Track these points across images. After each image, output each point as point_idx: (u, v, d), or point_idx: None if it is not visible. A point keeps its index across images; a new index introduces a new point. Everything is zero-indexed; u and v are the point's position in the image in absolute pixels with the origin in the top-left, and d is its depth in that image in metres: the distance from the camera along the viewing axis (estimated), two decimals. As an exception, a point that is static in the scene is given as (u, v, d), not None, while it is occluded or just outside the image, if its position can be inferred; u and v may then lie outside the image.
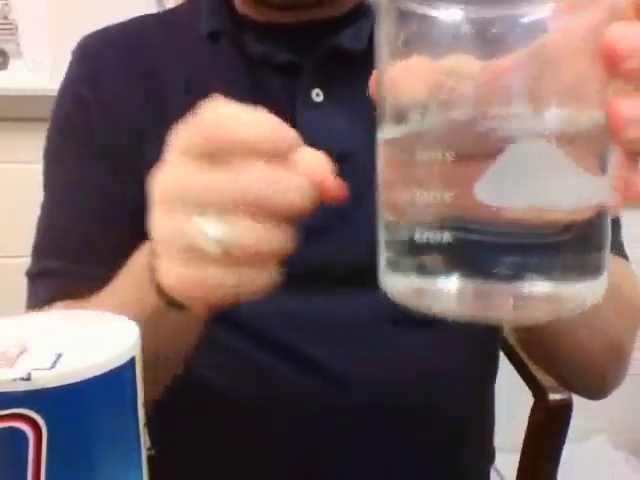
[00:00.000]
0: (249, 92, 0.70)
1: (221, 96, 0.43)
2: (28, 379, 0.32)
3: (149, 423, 0.42)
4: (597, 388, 0.74)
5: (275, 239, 0.41)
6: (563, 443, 0.92)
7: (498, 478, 1.53)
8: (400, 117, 0.34)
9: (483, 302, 0.33)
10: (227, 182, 0.40)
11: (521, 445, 0.96)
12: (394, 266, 0.35)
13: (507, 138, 0.31)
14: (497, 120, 0.31)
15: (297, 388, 0.70)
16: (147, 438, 0.38)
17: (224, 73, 0.72)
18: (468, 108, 0.32)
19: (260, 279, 0.42)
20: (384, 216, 0.36)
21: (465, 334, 0.73)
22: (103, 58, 0.74)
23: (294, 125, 0.68)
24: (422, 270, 0.34)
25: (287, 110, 0.68)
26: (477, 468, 0.82)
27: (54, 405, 0.33)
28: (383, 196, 0.36)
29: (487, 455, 0.83)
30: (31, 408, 0.32)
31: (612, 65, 0.31)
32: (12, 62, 1.67)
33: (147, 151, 0.71)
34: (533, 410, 0.94)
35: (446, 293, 0.33)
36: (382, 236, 0.36)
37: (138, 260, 0.52)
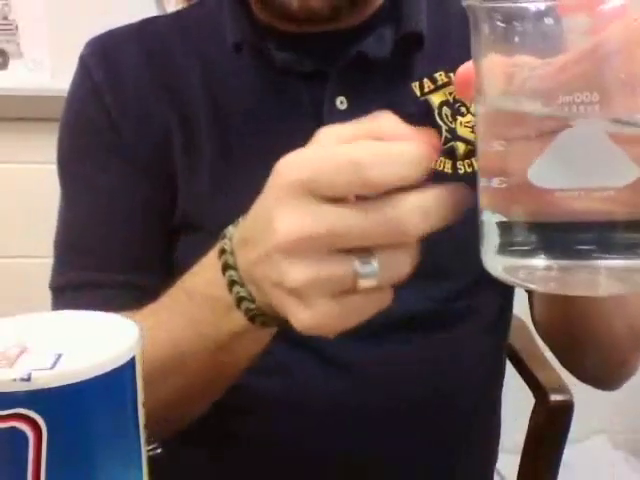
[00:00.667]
0: (272, 101, 0.70)
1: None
2: (28, 379, 0.32)
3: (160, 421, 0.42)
4: (616, 376, 0.75)
5: (413, 258, 0.42)
6: (564, 444, 0.92)
7: (498, 478, 1.53)
8: (480, 107, 0.38)
9: (568, 278, 0.36)
10: (374, 220, 0.40)
11: (522, 446, 0.96)
12: (491, 247, 0.39)
13: (566, 125, 0.34)
14: (560, 107, 0.34)
15: (317, 384, 0.70)
16: (152, 438, 0.38)
17: (247, 81, 0.71)
18: (535, 97, 0.35)
19: (390, 295, 0.44)
20: (480, 201, 0.39)
21: (478, 335, 0.74)
22: (124, 61, 0.73)
23: None
24: (513, 250, 0.38)
25: (313, 118, 0.69)
26: (483, 469, 0.82)
27: (54, 405, 0.33)
28: (478, 181, 0.39)
29: (493, 456, 0.84)
30: (31, 408, 0.32)
31: None
32: (12, 62, 1.67)
33: (173, 165, 0.71)
34: (534, 411, 0.94)
35: (536, 271, 0.37)
36: (480, 219, 0.39)
37: (203, 282, 0.52)
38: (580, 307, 0.67)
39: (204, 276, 0.52)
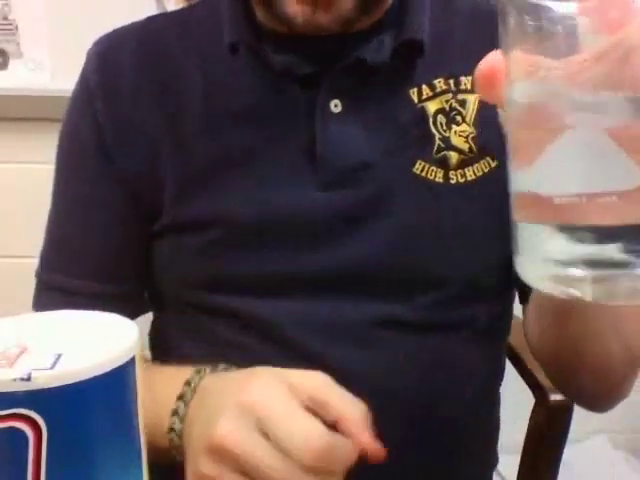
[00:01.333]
0: (268, 102, 0.70)
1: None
2: (28, 379, 0.32)
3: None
4: (613, 394, 0.74)
5: None
6: (564, 444, 0.92)
7: (499, 478, 1.52)
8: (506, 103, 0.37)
9: (605, 287, 0.35)
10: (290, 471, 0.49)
11: (522, 446, 0.96)
12: (525, 255, 0.38)
13: (571, 127, 0.34)
14: (571, 108, 0.34)
15: None
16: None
17: (244, 82, 0.71)
18: (554, 95, 0.34)
19: None
20: (512, 207, 0.38)
21: (477, 339, 0.74)
22: (122, 62, 0.74)
23: (314, 136, 0.68)
24: (548, 258, 0.37)
25: (308, 120, 0.69)
26: (483, 470, 0.82)
27: (54, 405, 0.33)
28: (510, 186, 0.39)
29: (492, 457, 0.83)
30: (31, 408, 0.32)
31: None
32: (12, 62, 1.67)
33: (161, 171, 0.72)
34: (534, 411, 0.94)
35: (570, 280, 0.36)
36: (515, 226, 0.39)
37: (164, 395, 0.59)
38: (575, 329, 0.66)
39: (165, 391, 0.59)
